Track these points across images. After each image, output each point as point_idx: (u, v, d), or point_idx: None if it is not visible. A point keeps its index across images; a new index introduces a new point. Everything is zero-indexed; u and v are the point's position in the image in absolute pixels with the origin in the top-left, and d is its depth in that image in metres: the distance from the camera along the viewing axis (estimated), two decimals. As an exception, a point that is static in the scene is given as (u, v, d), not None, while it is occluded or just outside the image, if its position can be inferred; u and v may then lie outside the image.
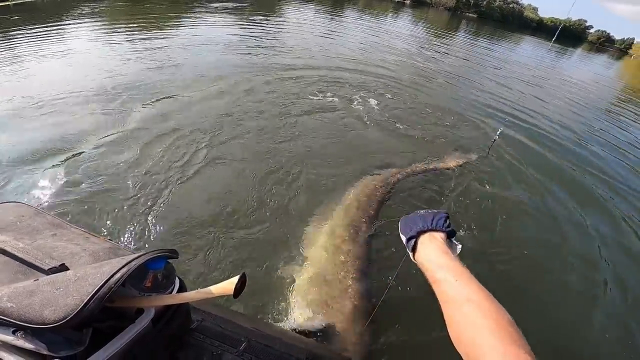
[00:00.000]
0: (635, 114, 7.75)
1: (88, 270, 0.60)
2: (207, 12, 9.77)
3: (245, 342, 0.98)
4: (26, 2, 8.12)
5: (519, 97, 6.40)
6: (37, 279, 0.60)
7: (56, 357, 0.59)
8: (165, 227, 2.01)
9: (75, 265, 0.66)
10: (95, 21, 7.23)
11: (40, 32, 5.90)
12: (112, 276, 0.58)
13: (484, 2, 41.80)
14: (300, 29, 9.57)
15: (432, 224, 0.78)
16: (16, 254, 0.65)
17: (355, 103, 4.44)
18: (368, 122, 3.94)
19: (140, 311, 0.70)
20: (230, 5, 11.61)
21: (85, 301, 0.55)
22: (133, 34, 6.30)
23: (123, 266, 0.60)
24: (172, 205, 2.20)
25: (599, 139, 5.19)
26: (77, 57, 4.80)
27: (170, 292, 0.74)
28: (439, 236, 0.76)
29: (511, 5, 44.39)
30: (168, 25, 7.42)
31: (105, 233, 1.93)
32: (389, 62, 7.24)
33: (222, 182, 2.53)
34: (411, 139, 3.74)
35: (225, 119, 3.43)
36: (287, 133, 3.35)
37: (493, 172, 3.32)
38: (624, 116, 7.27)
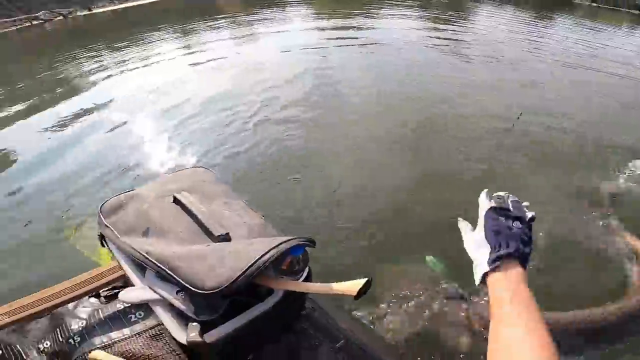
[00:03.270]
0: None
1: (241, 247, 0.67)
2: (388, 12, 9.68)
3: (343, 340, 1.00)
4: None
5: None
6: (209, 245, 0.71)
7: (197, 320, 0.69)
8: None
9: (236, 236, 0.75)
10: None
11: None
12: (262, 256, 0.63)
13: None
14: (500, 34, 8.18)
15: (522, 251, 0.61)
16: (198, 216, 0.78)
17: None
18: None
19: (270, 290, 0.76)
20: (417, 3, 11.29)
21: (236, 276, 0.61)
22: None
23: (272, 248, 0.65)
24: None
25: None
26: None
27: (299, 279, 0.77)
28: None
29: None
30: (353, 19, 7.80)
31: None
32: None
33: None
34: None
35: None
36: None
37: None
38: None
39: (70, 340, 1.00)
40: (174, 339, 0.99)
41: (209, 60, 5.34)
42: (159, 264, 0.70)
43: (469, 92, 3.95)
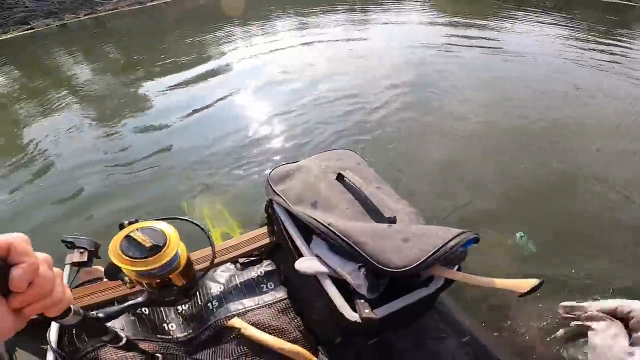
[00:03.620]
0: None
1: (426, 231, 0.67)
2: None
3: (469, 336, 1.00)
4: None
5: None
6: (390, 225, 0.71)
7: (366, 298, 0.71)
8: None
9: (399, 221, 0.75)
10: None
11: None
12: (447, 242, 0.62)
13: None
14: None
15: None
16: (368, 196, 0.79)
17: None
18: None
19: (430, 278, 0.75)
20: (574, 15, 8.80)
21: (424, 257, 0.62)
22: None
23: (455, 236, 0.64)
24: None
25: None
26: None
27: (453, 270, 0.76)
28: None
29: None
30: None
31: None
32: None
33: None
34: None
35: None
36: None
37: None
38: None
39: (209, 305, 1.08)
40: (300, 313, 1.02)
41: (322, 42, 5.67)
42: (343, 237, 0.71)
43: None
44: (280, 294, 1.08)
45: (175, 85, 4.29)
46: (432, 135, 2.91)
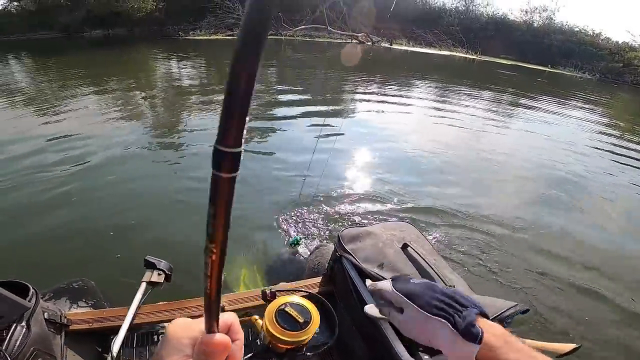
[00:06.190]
0: None
1: (486, 299, 0.81)
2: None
3: None
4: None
5: None
6: (454, 287, 0.85)
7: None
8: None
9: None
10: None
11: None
12: (507, 310, 0.76)
13: None
14: None
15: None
16: (431, 265, 0.93)
17: None
18: None
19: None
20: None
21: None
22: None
23: (513, 307, 0.77)
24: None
25: None
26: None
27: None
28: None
29: None
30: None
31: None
32: None
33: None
34: None
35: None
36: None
37: None
38: None
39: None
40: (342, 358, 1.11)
41: (454, 124, 5.25)
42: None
43: None
44: (325, 339, 1.16)
45: (294, 115, 4.81)
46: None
